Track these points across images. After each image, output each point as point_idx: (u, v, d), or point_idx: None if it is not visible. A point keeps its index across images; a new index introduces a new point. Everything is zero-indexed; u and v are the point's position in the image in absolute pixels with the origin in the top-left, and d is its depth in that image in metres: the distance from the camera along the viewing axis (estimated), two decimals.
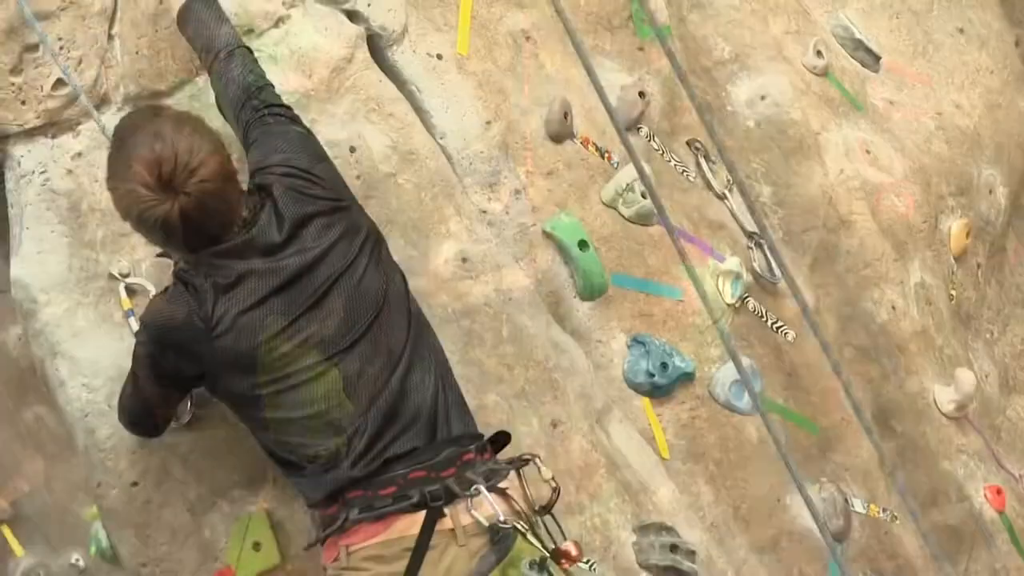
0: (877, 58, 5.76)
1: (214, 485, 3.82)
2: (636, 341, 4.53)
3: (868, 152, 5.38)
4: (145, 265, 3.83)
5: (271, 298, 3.42)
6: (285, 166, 3.55)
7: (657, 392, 4.54)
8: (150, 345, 3.50)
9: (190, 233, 3.38)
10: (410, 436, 3.47)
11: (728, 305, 4.76)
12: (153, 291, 3.79)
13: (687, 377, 4.59)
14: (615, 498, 4.30)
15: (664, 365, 4.51)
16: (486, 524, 3.41)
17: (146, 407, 3.63)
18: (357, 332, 3.47)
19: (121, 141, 3.45)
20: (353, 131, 4.05)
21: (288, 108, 3.73)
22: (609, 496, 4.28)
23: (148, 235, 3.47)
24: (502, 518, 3.42)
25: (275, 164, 3.54)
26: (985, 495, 5.38)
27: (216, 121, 3.64)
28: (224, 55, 3.73)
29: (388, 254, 3.65)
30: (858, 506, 5.01)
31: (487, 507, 3.43)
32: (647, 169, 4.61)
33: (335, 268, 3.47)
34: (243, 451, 3.81)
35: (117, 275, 3.81)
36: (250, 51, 3.80)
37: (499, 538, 3.41)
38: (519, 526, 3.46)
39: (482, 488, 3.43)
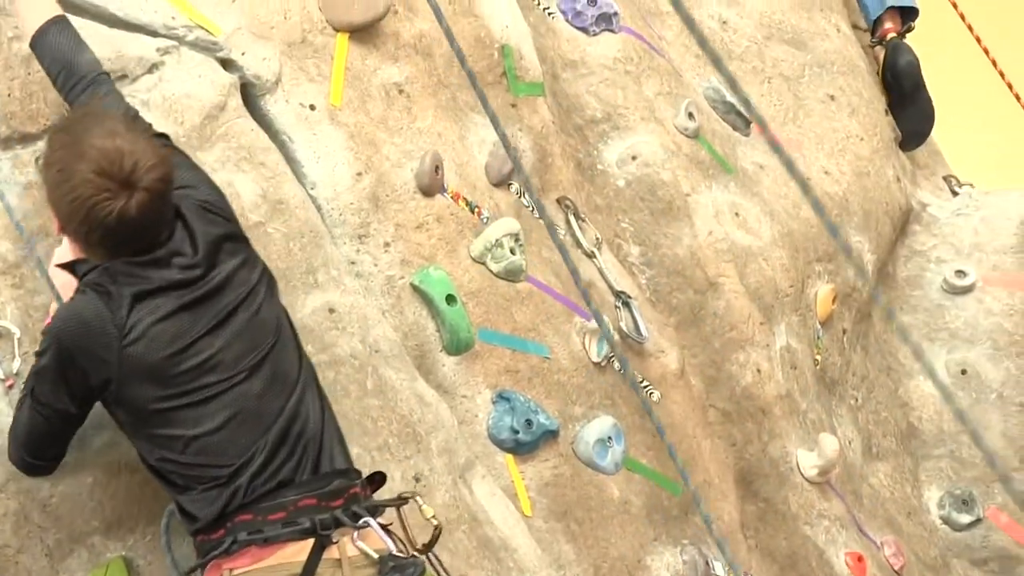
0: (748, 122, 5.95)
1: (73, 531, 3.90)
2: (501, 397, 4.68)
3: (737, 215, 5.58)
4: (10, 309, 3.93)
5: (181, 313, 3.60)
6: (189, 188, 3.74)
7: (521, 449, 4.70)
8: (56, 354, 3.59)
9: (135, 234, 3.55)
10: (300, 462, 3.66)
11: (594, 364, 4.93)
12: (18, 334, 3.89)
13: (551, 435, 4.75)
14: (475, 555, 4.43)
15: (528, 422, 4.67)
16: (375, 556, 3.58)
17: (46, 432, 3.68)
18: (257, 356, 3.67)
19: (71, 135, 3.58)
20: (223, 179, 4.16)
21: (168, 137, 3.92)
22: (469, 552, 4.41)
23: (84, 233, 3.57)
24: (395, 550, 3.61)
25: (180, 186, 3.70)
26: (846, 561, 5.56)
27: None
28: (88, 80, 3.87)
29: (279, 294, 3.87)
30: (719, 569, 5.15)
31: (376, 540, 3.62)
32: (518, 225, 4.81)
33: (238, 293, 3.69)
34: (104, 498, 3.92)
35: None
36: (109, 76, 3.95)
37: (390, 570, 3.57)
38: (429, 557, 3.69)
39: (372, 521, 3.63)
